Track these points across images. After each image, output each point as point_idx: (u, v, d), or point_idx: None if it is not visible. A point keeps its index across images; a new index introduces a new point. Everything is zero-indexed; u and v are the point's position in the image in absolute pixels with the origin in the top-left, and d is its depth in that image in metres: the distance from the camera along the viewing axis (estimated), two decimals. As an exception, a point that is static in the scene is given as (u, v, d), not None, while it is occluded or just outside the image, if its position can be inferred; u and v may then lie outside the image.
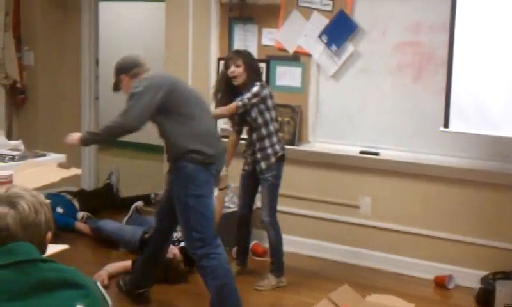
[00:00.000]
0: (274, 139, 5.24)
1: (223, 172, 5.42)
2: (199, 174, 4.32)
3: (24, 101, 7.59)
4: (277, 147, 5.24)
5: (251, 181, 5.35)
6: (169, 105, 4.35)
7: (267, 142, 5.22)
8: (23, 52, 7.52)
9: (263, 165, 5.23)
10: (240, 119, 5.33)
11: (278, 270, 5.35)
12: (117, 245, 6.09)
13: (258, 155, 5.24)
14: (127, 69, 4.66)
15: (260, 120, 5.19)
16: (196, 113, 4.42)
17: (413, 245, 5.70)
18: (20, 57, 7.45)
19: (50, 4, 7.52)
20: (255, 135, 5.25)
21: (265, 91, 5.16)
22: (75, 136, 4.74)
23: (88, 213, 6.54)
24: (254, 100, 5.10)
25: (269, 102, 5.19)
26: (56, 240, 4.81)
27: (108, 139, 4.75)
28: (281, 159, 5.27)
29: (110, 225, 6.24)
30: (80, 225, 6.47)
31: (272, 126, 5.24)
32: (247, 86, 5.16)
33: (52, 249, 3.66)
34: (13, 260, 1.95)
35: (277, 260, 5.36)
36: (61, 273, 2.01)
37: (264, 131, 5.22)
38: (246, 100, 5.09)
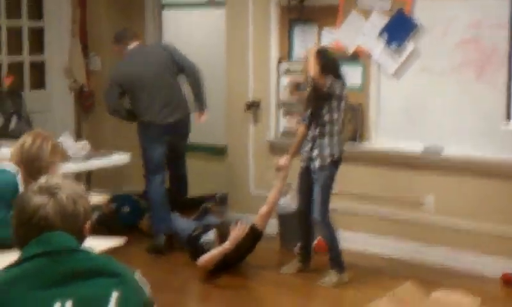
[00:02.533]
0: (335, 140, 5.25)
1: (285, 160, 5.45)
2: None
3: (91, 105, 7.77)
4: (335, 149, 5.24)
5: (307, 177, 5.37)
6: None
7: (326, 141, 5.23)
8: (90, 58, 7.71)
9: (317, 164, 5.25)
10: (310, 114, 5.35)
11: (338, 267, 5.35)
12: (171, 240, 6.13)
13: (315, 153, 5.25)
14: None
15: (327, 117, 5.21)
16: None
17: (479, 242, 5.62)
18: (87, 63, 7.65)
19: (115, 12, 7.70)
20: (317, 131, 5.26)
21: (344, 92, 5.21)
22: None
23: None
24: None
25: (342, 103, 5.22)
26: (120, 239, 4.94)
27: None
28: (336, 162, 5.28)
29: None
30: (145, 224, 6.57)
31: (337, 127, 5.26)
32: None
33: (110, 243, 3.77)
34: (49, 249, 1.99)
35: (335, 257, 5.35)
36: (96, 261, 2.03)
37: (327, 128, 5.23)
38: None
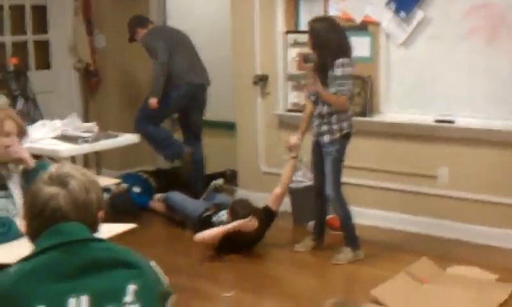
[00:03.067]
0: (343, 116, 5.16)
1: (296, 139, 5.39)
2: None
3: (97, 83, 7.70)
4: (344, 124, 5.16)
5: (319, 153, 5.29)
6: None
7: (335, 118, 5.15)
8: (94, 35, 7.61)
9: (326, 138, 5.17)
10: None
11: (353, 244, 5.29)
12: (184, 221, 6.10)
13: (324, 128, 5.17)
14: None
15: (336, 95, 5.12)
16: None
17: (495, 214, 5.53)
18: (91, 41, 7.55)
19: (119, -14, 7.59)
20: (325, 108, 5.18)
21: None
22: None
23: (165, 194, 6.57)
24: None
25: (350, 80, 5.17)
26: (131, 220, 4.92)
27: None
28: (346, 136, 5.20)
29: (176, 196, 6.25)
30: (156, 204, 6.53)
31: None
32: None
33: (121, 227, 3.72)
34: (63, 241, 1.94)
35: (349, 234, 5.29)
36: (113, 252, 1.99)
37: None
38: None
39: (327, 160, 5.22)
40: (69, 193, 1.99)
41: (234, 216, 5.42)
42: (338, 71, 5.06)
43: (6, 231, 3.33)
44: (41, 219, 1.97)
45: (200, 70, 6.85)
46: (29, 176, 3.46)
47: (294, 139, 5.45)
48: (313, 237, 5.54)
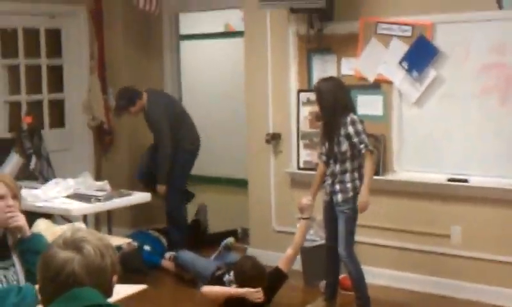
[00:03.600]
0: (356, 174, 5.15)
1: (307, 201, 5.35)
2: None
3: (111, 142, 7.74)
4: (357, 183, 5.15)
5: (332, 212, 5.26)
6: None
7: (348, 177, 5.14)
8: (108, 94, 7.68)
9: (339, 197, 5.14)
10: (328, 150, 5.24)
11: (365, 304, 5.21)
12: (195, 281, 6.05)
13: (337, 187, 5.15)
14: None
15: (348, 154, 5.11)
16: None
17: (509, 275, 5.45)
18: (105, 99, 7.62)
19: (133, 45, 7.67)
20: (338, 167, 5.16)
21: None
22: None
23: (175, 253, 6.53)
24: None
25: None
26: (142, 279, 4.88)
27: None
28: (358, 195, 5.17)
29: (187, 255, 6.21)
30: (167, 263, 6.50)
31: (357, 162, 5.15)
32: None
33: (131, 289, 3.69)
34: (78, 306, 1.92)
35: (361, 294, 5.22)
36: None
37: (348, 165, 5.14)
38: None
39: (340, 219, 5.18)
40: (84, 258, 1.97)
41: (239, 275, 5.34)
42: (350, 129, 5.07)
43: (21, 301, 3.29)
44: (56, 284, 1.96)
45: (195, 131, 7.11)
46: (21, 246, 3.36)
47: (305, 200, 5.41)
48: (325, 297, 5.46)
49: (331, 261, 5.41)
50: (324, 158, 5.31)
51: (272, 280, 5.41)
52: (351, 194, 5.14)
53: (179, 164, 6.83)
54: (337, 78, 5.59)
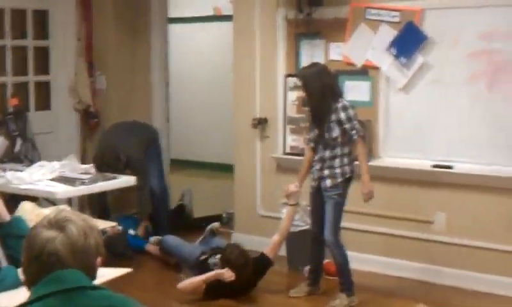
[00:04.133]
0: (346, 160, 5.15)
1: (295, 187, 5.35)
2: None
3: (97, 125, 7.69)
4: (346, 168, 5.14)
5: (319, 198, 5.25)
6: None
7: (337, 162, 5.13)
8: (95, 77, 7.63)
9: (328, 182, 5.13)
10: (318, 135, 5.23)
11: (348, 289, 5.22)
12: (179, 265, 6.05)
13: (326, 172, 5.14)
14: None
15: (339, 139, 5.11)
16: None
17: (492, 262, 5.47)
18: (92, 82, 7.57)
19: (120, 28, 7.62)
20: (327, 153, 5.15)
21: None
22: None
23: (160, 237, 6.52)
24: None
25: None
26: (126, 263, 4.87)
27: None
28: (348, 180, 5.19)
29: (171, 240, 6.20)
30: (151, 247, 6.48)
31: (348, 148, 5.14)
32: None
33: (116, 272, 3.69)
34: (61, 288, 1.90)
35: (345, 280, 5.23)
36: (110, 301, 1.95)
37: (338, 151, 5.13)
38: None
39: (328, 204, 5.17)
40: (67, 237, 1.95)
41: (225, 262, 5.36)
42: (342, 115, 5.06)
43: (2, 280, 3.28)
44: (38, 264, 1.94)
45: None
46: (2, 231, 3.34)
47: (292, 186, 5.40)
48: (308, 282, 5.47)
49: (315, 247, 5.42)
50: (311, 144, 5.30)
51: (258, 266, 5.42)
52: (339, 179, 5.13)
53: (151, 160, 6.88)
54: (321, 63, 5.56)
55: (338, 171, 5.13)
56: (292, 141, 6.33)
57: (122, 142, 6.55)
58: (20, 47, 7.24)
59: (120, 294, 2.01)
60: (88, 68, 7.53)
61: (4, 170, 5.87)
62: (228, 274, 5.26)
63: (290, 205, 5.50)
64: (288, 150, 6.38)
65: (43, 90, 7.50)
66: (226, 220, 7.27)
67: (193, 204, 7.61)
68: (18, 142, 6.81)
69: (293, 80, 6.30)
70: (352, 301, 5.21)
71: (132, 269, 3.97)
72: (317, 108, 5.17)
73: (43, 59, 7.47)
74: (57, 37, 7.46)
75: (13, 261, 3.35)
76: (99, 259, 2.04)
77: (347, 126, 5.07)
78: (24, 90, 7.29)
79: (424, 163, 5.73)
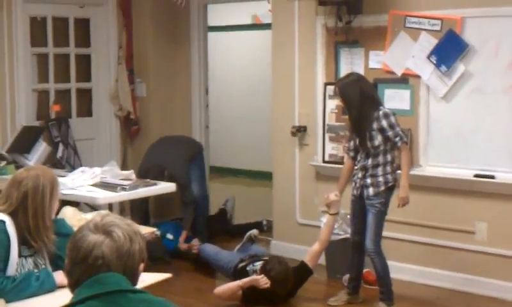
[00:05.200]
0: (388, 168, 5.13)
1: (335, 197, 5.33)
2: None
3: (137, 132, 7.77)
4: (389, 177, 5.12)
5: (360, 207, 5.24)
6: None
7: (380, 170, 5.12)
8: (136, 84, 7.71)
9: (371, 191, 5.11)
10: (359, 144, 5.23)
11: (389, 299, 5.19)
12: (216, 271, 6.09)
13: (368, 181, 5.12)
14: None
15: (382, 147, 5.09)
16: None
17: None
18: (133, 89, 7.65)
19: (161, 36, 7.69)
20: (370, 161, 5.13)
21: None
22: None
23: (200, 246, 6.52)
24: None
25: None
26: (164, 268, 4.89)
27: None
28: (391, 189, 5.16)
29: (209, 248, 6.22)
30: (182, 245, 6.56)
31: (390, 155, 5.13)
32: None
33: (156, 277, 3.71)
34: (103, 291, 1.92)
35: (385, 289, 5.20)
36: (151, 304, 1.97)
37: (381, 159, 5.12)
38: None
39: (370, 212, 5.15)
40: (113, 242, 1.98)
41: (264, 272, 5.36)
42: (383, 123, 5.04)
43: (40, 285, 3.34)
44: (84, 266, 1.96)
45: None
46: None
47: (332, 195, 5.38)
48: (348, 291, 5.45)
49: (355, 256, 5.39)
50: (351, 153, 5.29)
51: (298, 275, 5.41)
52: (382, 187, 5.11)
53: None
54: (358, 73, 5.55)
55: (381, 179, 5.11)
56: (332, 149, 6.32)
57: (167, 158, 6.66)
58: (63, 54, 7.35)
59: (160, 298, 2.03)
60: (129, 75, 7.61)
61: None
62: (263, 281, 5.27)
63: (331, 214, 5.47)
64: (327, 158, 6.37)
65: (85, 97, 7.60)
66: (266, 228, 7.29)
67: (234, 211, 7.64)
68: (60, 148, 6.91)
69: (332, 89, 6.29)
70: None
71: (171, 275, 3.99)
72: (357, 117, 5.16)
73: (84, 67, 7.58)
74: (98, 45, 7.56)
75: (56, 258, 3.48)
76: (142, 265, 2.06)
77: (389, 133, 5.05)
78: (66, 97, 7.40)
79: (465, 172, 5.67)
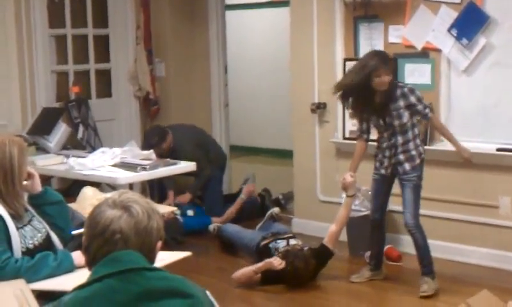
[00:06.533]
0: (418, 141, 5.14)
1: (351, 178, 5.26)
2: None
3: (157, 111, 7.77)
4: (421, 149, 5.14)
5: (385, 185, 5.21)
6: None
7: (412, 145, 5.09)
8: (154, 64, 7.70)
9: (407, 166, 5.08)
10: (369, 126, 5.22)
11: (431, 271, 5.15)
12: (237, 250, 6.08)
13: (401, 157, 5.08)
14: None
15: (409, 123, 5.07)
16: None
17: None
18: (151, 69, 7.64)
19: (178, 15, 7.67)
20: (399, 139, 5.08)
21: None
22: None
23: (219, 225, 6.52)
24: None
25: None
26: (184, 247, 4.88)
27: None
28: (423, 160, 5.15)
29: (230, 228, 6.23)
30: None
31: (417, 128, 5.13)
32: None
33: (175, 256, 3.71)
34: (119, 269, 1.92)
35: (428, 262, 5.15)
36: (168, 282, 1.96)
37: (410, 134, 5.09)
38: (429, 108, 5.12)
39: (407, 188, 5.11)
40: (131, 217, 1.98)
41: (286, 258, 5.33)
42: (412, 98, 5.03)
43: (58, 265, 3.35)
44: (101, 241, 1.97)
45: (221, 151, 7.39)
46: (38, 201, 3.53)
47: (348, 177, 5.31)
48: (370, 268, 5.42)
49: (376, 233, 5.37)
50: (365, 136, 5.24)
51: (319, 257, 5.38)
52: (417, 161, 5.10)
53: (213, 177, 6.99)
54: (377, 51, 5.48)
55: (414, 153, 5.10)
56: (352, 125, 6.25)
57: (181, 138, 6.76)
58: (81, 35, 7.35)
59: (177, 275, 2.02)
60: (147, 55, 7.60)
61: (67, 156, 5.97)
62: (277, 262, 5.24)
63: (348, 196, 5.41)
64: (347, 135, 6.33)
65: (104, 78, 7.61)
66: (284, 202, 7.29)
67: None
68: (81, 129, 6.93)
69: (352, 65, 6.22)
70: (436, 284, 5.14)
71: (191, 253, 3.98)
72: (384, 99, 5.07)
73: (103, 47, 7.58)
74: (116, 25, 7.55)
75: (55, 228, 3.52)
76: (159, 244, 2.06)
77: (419, 107, 5.05)
78: (85, 78, 7.41)
79: (487, 146, 5.61)
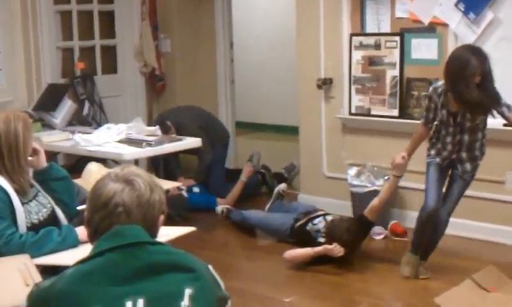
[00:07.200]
0: (484, 141, 4.96)
1: (402, 160, 5.13)
2: None
3: (163, 87, 7.77)
4: (484, 149, 4.97)
5: (444, 174, 5.01)
6: None
7: (478, 144, 4.92)
8: (160, 40, 7.68)
9: (468, 166, 4.94)
10: (435, 117, 4.93)
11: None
12: (260, 233, 5.99)
13: (464, 155, 4.92)
14: None
15: (481, 125, 4.92)
16: None
17: None
18: (157, 45, 7.62)
19: (184, -9, 7.64)
20: (466, 137, 4.87)
21: None
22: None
23: (228, 207, 6.49)
24: None
25: None
26: (190, 222, 4.87)
27: None
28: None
29: (254, 215, 6.10)
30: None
31: (485, 130, 4.95)
32: None
33: (179, 231, 3.72)
34: (121, 243, 1.92)
35: (431, 252, 5.12)
36: (170, 256, 1.97)
37: (479, 135, 4.91)
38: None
39: (458, 184, 4.97)
40: (134, 190, 1.99)
41: (332, 238, 5.28)
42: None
43: (62, 240, 3.36)
44: (103, 213, 1.98)
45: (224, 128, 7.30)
46: (43, 177, 3.53)
47: (399, 158, 5.12)
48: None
49: (430, 226, 5.02)
50: (430, 125, 4.98)
51: (361, 229, 5.34)
52: (479, 161, 4.97)
53: (216, 159, 6.89)
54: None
55: (478, 153, 4.94)
56: (358, 101, 6.25)
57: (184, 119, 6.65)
58: (86, 11, 7.34)
59: (180, 249, 2.02)
60: (153, 31, 7.58)
61: (73, 132, 5.98)
62: (337, 250, 5.18)
63: (394, 176, 5.33)
64: (353, 110, 6.30)
65: (109, 54, 7.60)
66: (287, 175, 7.29)
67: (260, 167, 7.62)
68: (86, 105, 6.94)
69: (358, 40, 6.20)
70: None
71: (195, 228, 3.98)
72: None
73: (108, 23, 7.56)
74: (121, 1, 7.52)
75: (60, 203, 3.53)
76: (162, 217, 2.07)
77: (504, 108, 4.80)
78: (90, 54, 7.40)
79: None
